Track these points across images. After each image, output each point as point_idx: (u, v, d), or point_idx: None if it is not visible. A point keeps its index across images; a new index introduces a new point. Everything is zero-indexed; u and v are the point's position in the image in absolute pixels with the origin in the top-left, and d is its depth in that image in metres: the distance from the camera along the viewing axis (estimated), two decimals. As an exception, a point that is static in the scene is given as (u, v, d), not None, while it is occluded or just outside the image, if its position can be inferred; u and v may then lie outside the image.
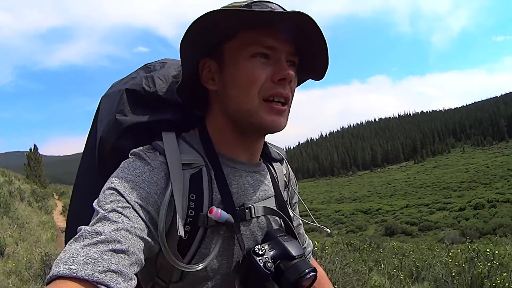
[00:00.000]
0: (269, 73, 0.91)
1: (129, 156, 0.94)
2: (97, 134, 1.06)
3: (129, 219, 0.79)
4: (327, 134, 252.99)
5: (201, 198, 0.92)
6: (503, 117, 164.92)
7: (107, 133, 1.03)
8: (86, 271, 0.64)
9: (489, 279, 3.99)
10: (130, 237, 0.76)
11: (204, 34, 0.89)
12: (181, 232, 0.86)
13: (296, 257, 0.92)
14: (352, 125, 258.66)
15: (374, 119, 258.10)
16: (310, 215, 1.19)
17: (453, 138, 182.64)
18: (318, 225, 1.15)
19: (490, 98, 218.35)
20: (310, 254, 1.28)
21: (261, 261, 0.89)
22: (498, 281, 3.79)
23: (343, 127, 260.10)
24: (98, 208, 0.80)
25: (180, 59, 0.96)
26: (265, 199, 1.04)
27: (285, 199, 1.14)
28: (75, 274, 0.63)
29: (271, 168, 1.14)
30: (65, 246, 0.77)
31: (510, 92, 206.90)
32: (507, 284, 3.72)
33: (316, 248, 7.79)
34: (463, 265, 4.95)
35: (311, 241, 1.30)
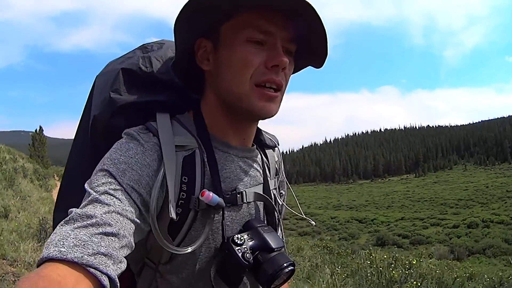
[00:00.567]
0: (263, 58, 0.90)
1: (122, 136, 0.93)
2: (91, 113, 1.05)
3: (121, 202, 0.78)
4: (332, 140, 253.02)
5: (193, 181, 0.92)
6: (508, 138, 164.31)
7: (100, 112, 1.02)
8: (75, 253, 0.64)
9: (400, 284, 4.67)
10: (121, 219, 0.75)
11: (201, 13, 0.88)
12: (173, 214, 0.86)
13: (275, 249, 0.91)
14: (357, 133, 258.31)
15: (380, 129, 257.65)
16: (298, 206, 1.21)
17: (456, 155, 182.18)
18: (304, 216, 1.16)
19: (497, 118, 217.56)
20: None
21: (239, 251, 0.88)
22: (407, 287, 4.47)
23: (348, 134, 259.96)
24: (89, 190, 0.79)
25: (174, 37, 0.95)
26: (256, 185, 1.05)
27: (275, 186, 1.15)
28: (64, 257, 0.63)
29: (263, 154, 1.15)
30: (53, 227, 0.78)
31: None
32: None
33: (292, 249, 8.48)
34: (380, 269, 5.67)
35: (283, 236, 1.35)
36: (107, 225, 0.72)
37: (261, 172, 1.08)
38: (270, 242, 0.92)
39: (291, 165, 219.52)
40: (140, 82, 1.03)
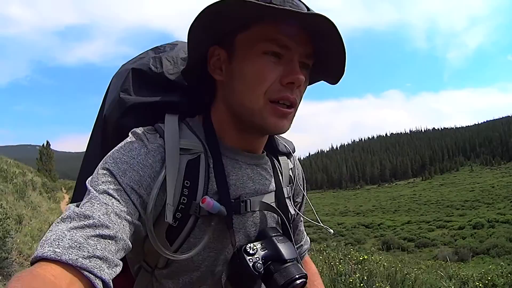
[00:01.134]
0: (279, 74, 0.87)
1: (129, 134, 0.91)
2: (103, 113, 1.06)
3: (120, 202, 0.77)
4: (338, 147, 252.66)
5: (195, 186, 0.90)
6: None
7: (110, 112, 1.02)
8: (70, 255, 0.63)
9: (343, 276, 5.36)
10: (119, 221, 0.74)
11: (218, 20, 0.85)
12: (169, 218, 0.84)
13: (288, 260, 0.89)
14: (363, 139, 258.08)
15: (386, 134, 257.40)
16: (315, 214, 1.17)
17: (462, 156, 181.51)
18: (322, 225, 1.12)
19: (502, 117, 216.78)
20: (306, 252, 1.29)
21: (251, 260, 0.86)
22: (351, 280, 5.18)
23: (354, 140, 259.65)
24: (90, 188, 0.78)
25: (187, 43, 0.92)
26: (264, 193, 1.01)
27: (288, 195, 1.11)
28: (59, 258, 0.62)
29: (276, 161, 1.11)
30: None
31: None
32: (358, 282, 5.10)
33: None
34: (331, 264, 6.41)
35: (309, 239, 1.32)
36: (104, 227, 0.70)
37: (272, 180, 1.05)
38: (284, 252, 0.90)
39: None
40: (150, 82, 1.03)
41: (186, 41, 0.92)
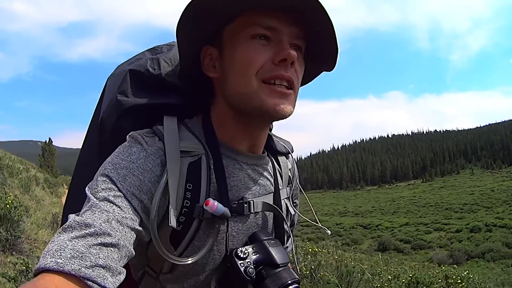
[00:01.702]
0: (270, 55, 0.85)
1: (127, 138, 0.90)
2: (100, 115, 1.04)
3: (121, 209, 0.76)
4: (339, 147, 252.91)
5: (198, 189, 0.88)
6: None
7: (107, 114, 1.00)
8: (73, 265, 0.62)
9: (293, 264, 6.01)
10: (120, 228, 0.73)
11: (200, 18, 0.85)
12: (173, 222, 0.83)
13: (280, 265, 0.87)
14: (364, 140, 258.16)
15: (387, 135, 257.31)
16: (314, 214, 1.17)
17: (464, 159, 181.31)
18: (320, 225, 1.12)
19: (504, 121, 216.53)
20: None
21: (242, 265, 0.85)
22: (299, 267, 5.85)
23: (355, 141, 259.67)
24: (90, 195, 0.77)
25: (177, 45, 0.92)
26: (265, 194, 1.01)
27: (287, 196, 1.12)
28: (61, 268, 0.61)
29: (275, 162, 1.11)
30: (61, 224, 0.78)
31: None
32: (304, 271, 5.70)
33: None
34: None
35: (292, 242, 1.26)
36: (106, 235, 0.69)
37: (272, 181, 1.05)
38: (275, 257, 0.88)
39: (299, 172, 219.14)
40: (148, 84, 1.01)
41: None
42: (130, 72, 1.01)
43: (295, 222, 1.20)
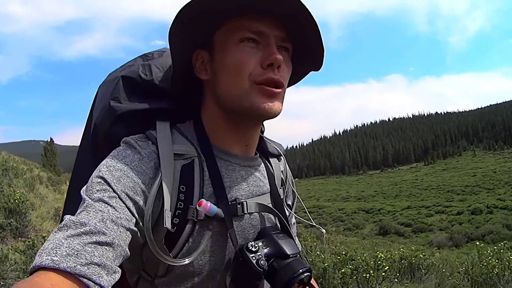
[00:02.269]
0: (259, 59, 0.88)
1: (121, 144, 0.91)
2: (92, 121, 1.05)
3: (116, 210, 0.76)
4: (341, 132, 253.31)
5: (191, 190, 0.90)
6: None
7: (101, 120, 1.02)
8: (68, 263, 0.63)
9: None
10: (115, 228, 0.73)
11: (191, 24, 0.88)
12: (168, 224, 0.83)
13: (290, 255, 0.89)
14: (366, 124, 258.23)
15: (388, 119, 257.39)
16: (307, 214, 1.19)
17: (465, 141, 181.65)
18: (314, 224, 1.14)
19: (505, 101, 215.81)
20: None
21: (254, 258, 0.86)
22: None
23: (357, 125, 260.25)
24: (85, 197, 0.78)
25: (170, 50, 0.94)
26: (259, 195, 1.02)
27: (281, 197, 1.12)
28: (57, 266, 0.62)
29: (268, 163, 1.12)
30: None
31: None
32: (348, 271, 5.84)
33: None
34: None
35: (300, 244, 1.26)
36: (101, 234, 0.70)
37: (266, 182, 1.06)
38: (285, 248, 0.90)
39: (301, 159, 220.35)
40: (140, 90, 1.03)
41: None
42: (122, 78, 1.04)
43: (292, 222, 1.21)
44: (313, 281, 1.04)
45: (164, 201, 0.85)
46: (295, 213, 1.22)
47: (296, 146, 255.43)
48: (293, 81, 1.07)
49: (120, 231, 0.75)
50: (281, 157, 1.19)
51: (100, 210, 0.75)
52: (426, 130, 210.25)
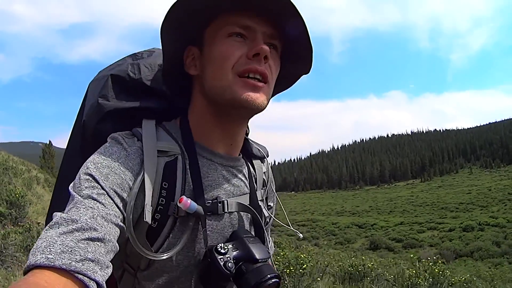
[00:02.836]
0: (245, 51, 0.89)
1: (107, 140, 0.92)
2: (82, 118, 1.06)
3: (105, 206, 0.77)
4: (339, 147, 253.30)
5: (173, 187, 0.90)
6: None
7: (89, 117, 1.02)
8: (63, 260, 0.63)
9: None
10: (105, 224, 0.74)
11: (181, 21, 0.89)
12: (148, 218, 0.84)
13: (259, 260, 0.89)
14: (364, 140, 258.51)
15: (387, 135, 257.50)
16: (286, 218, 1.21)
17: (463, 158, 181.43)
18: (292, 228, 1.16)
19: (504, 120, 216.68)
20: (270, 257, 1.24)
21: (222, 260, 0.86)
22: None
23: (355, 140, 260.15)
24: (74, 193, 0.78)
25: (161, 47, 0.95)
26: (240, 195, 1.03)
27: (261, 198, 1.13)
28: (52, 264, 0.62)
29: (250, 165, 1.13)
30: (45, 224, 0.78)
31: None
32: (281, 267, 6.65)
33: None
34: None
35: (273, 246, 1.30)
36: (93, 230, 0.70)
37: (247, 183, 1.07)
38: (255, 252, 0.90)
39: (299, 172, 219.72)
40: (129, 88, 1.04)
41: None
42: (111, 77, 1.05)
43: (270, 223, 1.26)
44: None
45: (146, 196, 0.86)
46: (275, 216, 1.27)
47: (294, 159, 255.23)
48: (285, 85, 1.10)
49: (110, 227, 0.75)
50: (265, 159, 1.21)
51: (90, 207, 0.75)
52: (424, 147, 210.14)
